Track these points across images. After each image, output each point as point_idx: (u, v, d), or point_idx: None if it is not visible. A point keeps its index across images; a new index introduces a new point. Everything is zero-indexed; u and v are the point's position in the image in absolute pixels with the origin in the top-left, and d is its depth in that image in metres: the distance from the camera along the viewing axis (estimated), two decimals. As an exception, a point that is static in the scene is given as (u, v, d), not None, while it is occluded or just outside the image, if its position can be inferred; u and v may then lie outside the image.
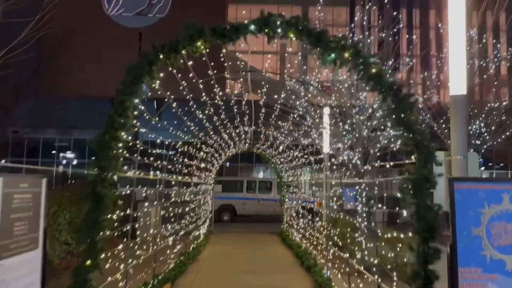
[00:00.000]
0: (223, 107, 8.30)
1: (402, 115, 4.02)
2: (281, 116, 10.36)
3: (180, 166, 9.04)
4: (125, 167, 5.53)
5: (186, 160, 9.55)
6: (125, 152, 4.70)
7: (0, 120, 27.07)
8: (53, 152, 38.90)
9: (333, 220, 10.31)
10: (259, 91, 9.47)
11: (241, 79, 10.10)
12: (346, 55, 4.16)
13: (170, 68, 4.70)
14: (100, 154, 4.42)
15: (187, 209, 10.50)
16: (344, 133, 11.18)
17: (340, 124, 11.28)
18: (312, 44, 4.21)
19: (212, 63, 5.74)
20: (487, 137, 16.97)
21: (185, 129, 7.94)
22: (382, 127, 11.03)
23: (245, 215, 22.20)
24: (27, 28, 9.10)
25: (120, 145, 4.63)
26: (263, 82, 8.82)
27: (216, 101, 7.54)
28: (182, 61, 4.63)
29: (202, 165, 12.33)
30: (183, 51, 4.48)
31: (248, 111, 9.31)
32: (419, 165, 3.95)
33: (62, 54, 32.07)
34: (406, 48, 18.89)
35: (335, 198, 9.31)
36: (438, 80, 18.91)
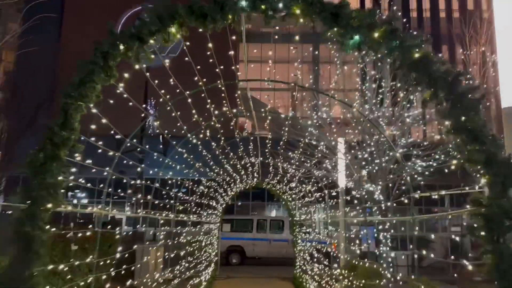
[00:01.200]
0: (222, 131, 7.06)
1: (463, 117, 2.72)
2: (290, 145, 9.12)
3: (170, 201, 7.71)
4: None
5: (181, 194, 8.22)
6: (71, 177, 3.46)
7: (7, 159, 26.39)
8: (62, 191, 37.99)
9: (352, 266, 8.83)
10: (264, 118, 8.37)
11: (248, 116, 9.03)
12: (376, 35, 2.92)
13: (137, 66, 3.53)
14: (33, 180, 3.19)
15: (182, 253, 9.06)
16: (363, 163, 9.81)
17: (358, 152, 9.95)
18: (326, 22, 2.99)
19: (199, 66, 4.60)
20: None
21: (177, 156, 6.70)
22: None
23: (255, 257, 20.44)
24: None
25: (71, 169, 3.42)
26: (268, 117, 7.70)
27: (212, 123, 6.30)
28: (152, 56, 3.47)
29: (203, 201, 10.97)
30: (151, 41, 3.31)
31: (252, 138, 8.07)
32: (495, 192, 2.59)
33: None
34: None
35: (357, 241, 7.83)
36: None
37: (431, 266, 15.95)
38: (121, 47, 3.27)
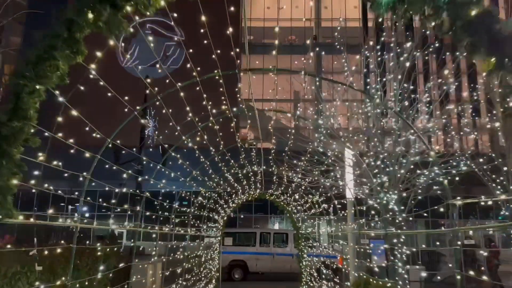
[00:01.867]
0: (221, 134, 6.35)
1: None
2: (296, 152, 8.42)
3: (164, 213, 6.98)
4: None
5: (176, 206, 7.48)
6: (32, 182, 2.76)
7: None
8: (62, 204, 37.26)
9: (364, 283, 8.08)
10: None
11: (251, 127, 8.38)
12: (418, -11, 2.24)
13: (112, 43, 2.85)
14: (-25, 183, 2.49)
15: (179, 270, 8.31)
16: (375, 171, 9.07)
17: (371, 160, 9.21)
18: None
19: (191, 50, 3.92)
20: None
21: (170, 162, 6.00)
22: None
23: (258, 272, 19.57)
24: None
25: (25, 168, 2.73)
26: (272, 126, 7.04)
27: (210, 124, 5.60)
28: (130, 28, 2.79)
29: (203, 213, 10.22)
30: (127, 7, 2.64)
31: (254, 143, 7.37)
32: None
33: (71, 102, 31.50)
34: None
35: (374, 257, 7.10)
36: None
37: (444, 282, 15.13)
38: (90, 15, 2.59)
